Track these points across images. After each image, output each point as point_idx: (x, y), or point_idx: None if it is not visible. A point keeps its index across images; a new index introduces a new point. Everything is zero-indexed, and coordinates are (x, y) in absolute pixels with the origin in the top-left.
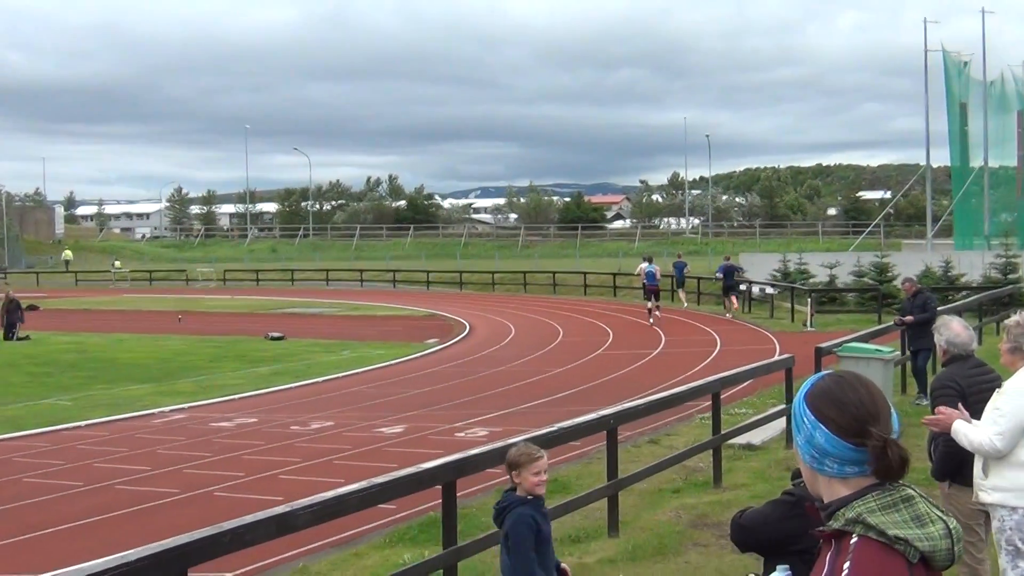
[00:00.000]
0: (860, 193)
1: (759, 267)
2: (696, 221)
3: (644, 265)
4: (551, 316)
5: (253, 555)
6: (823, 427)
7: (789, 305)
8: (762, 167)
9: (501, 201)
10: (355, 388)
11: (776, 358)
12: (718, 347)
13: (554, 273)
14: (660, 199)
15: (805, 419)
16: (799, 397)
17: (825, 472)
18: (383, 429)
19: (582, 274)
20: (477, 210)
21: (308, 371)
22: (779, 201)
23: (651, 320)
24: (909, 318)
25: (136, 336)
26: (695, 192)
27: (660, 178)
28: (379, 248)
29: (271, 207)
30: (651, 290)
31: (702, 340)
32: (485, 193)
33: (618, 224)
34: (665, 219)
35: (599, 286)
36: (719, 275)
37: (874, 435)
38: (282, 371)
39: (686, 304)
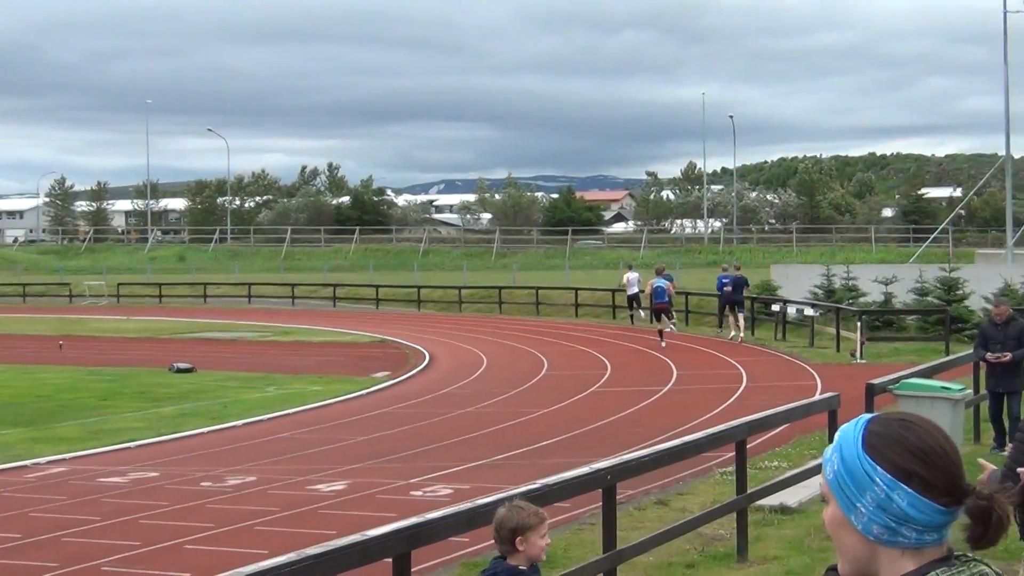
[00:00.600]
0: (923, 190)
1: (796, 282)
2: (717, 224)
3: (631, 275)
4: (533, 343)
5: None
6: (905, 486)
7: (833, 330)
8: (800, 156)
9: (471, 198)
10: (284, 434)
11: (817, 397)
12: (743, 383)
13: (537, 289)
14: (672, 196)
15: (874, 477)
16: (852, 447)
17: (899, 543)
18: (319, 486)
19: (573, 290)
20: (440, 209)
21: (224, 412)
22: (821, 199)
23: (664, 342)
24: (1006, 356)
25: (5, 367)
26: (716, 188)
27: (672, 170)
28: (316, 257)
29: (178, 204)
30: (660, 309)
31: (723, 374)
32: (450, 188)
33: (619, 227)
34: (678, 221)
35: (594, 305)
36: (726, 287)
37: (976, 491)
38: (191, 412)
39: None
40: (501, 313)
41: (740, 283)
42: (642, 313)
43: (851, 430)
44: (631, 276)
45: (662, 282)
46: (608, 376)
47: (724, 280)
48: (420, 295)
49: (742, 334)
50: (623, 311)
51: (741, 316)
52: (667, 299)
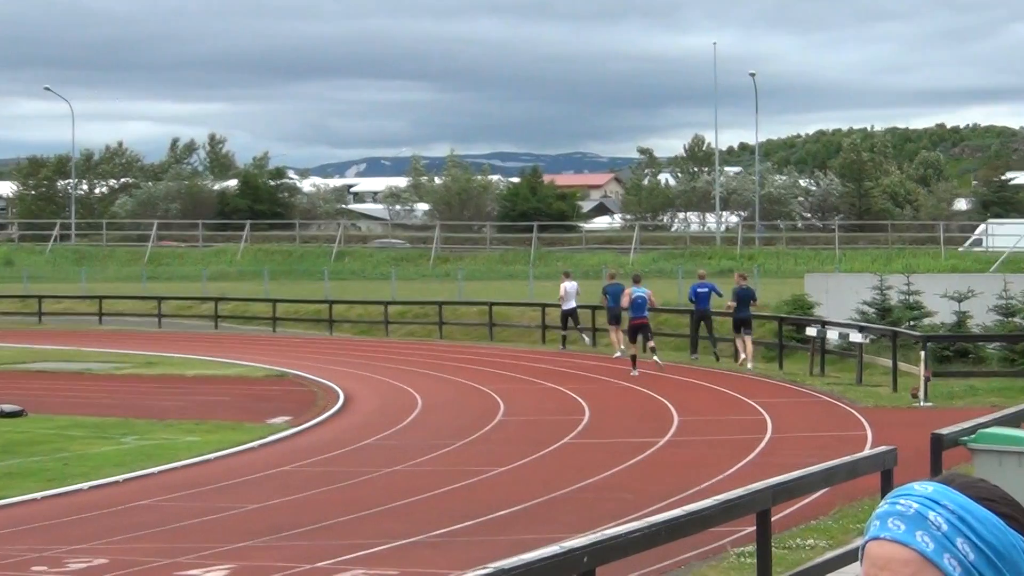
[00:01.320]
0: (1009, 174)
1: (839, 297)
2: (733, 219)
3: (567, 285)
4: (485, 377)
5: None
6: None
7: (888, 362)
8: (845, 129)
9: (401, 183)
10: (147, 501)
11: (867, 452)
12: (768, 433)
13: (491, 305)
14: (673, 182)
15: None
16: (993, 527)
17: None
18: (194, 572)
19: (539, 307)
20: (361, 197)
21: (65, 472)
22: (872, 187)
23: (636, 371)
24: None
25: None
26: (732, 171)
27: (673, 145)
28: (192, 260)
29: (3, 188)
30: (638, 327)
31: (741, 421)
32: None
33: (601, 222)
34: (681, 215)
35: (581, 328)
36: (732, 303)
37: None
38: (19, 471)
39: (619, 352)
40: (442, 338)
41: (746, 297)
42: (586, 339)
43: (972, 506)
44: (568, 286)
45: (643, 292)
46: (586, 423)
47: (700, 290)
48: (332, 313)
49: (751, 362)
50: (604, 335)
51: (748, 339)
52: (647, 314)
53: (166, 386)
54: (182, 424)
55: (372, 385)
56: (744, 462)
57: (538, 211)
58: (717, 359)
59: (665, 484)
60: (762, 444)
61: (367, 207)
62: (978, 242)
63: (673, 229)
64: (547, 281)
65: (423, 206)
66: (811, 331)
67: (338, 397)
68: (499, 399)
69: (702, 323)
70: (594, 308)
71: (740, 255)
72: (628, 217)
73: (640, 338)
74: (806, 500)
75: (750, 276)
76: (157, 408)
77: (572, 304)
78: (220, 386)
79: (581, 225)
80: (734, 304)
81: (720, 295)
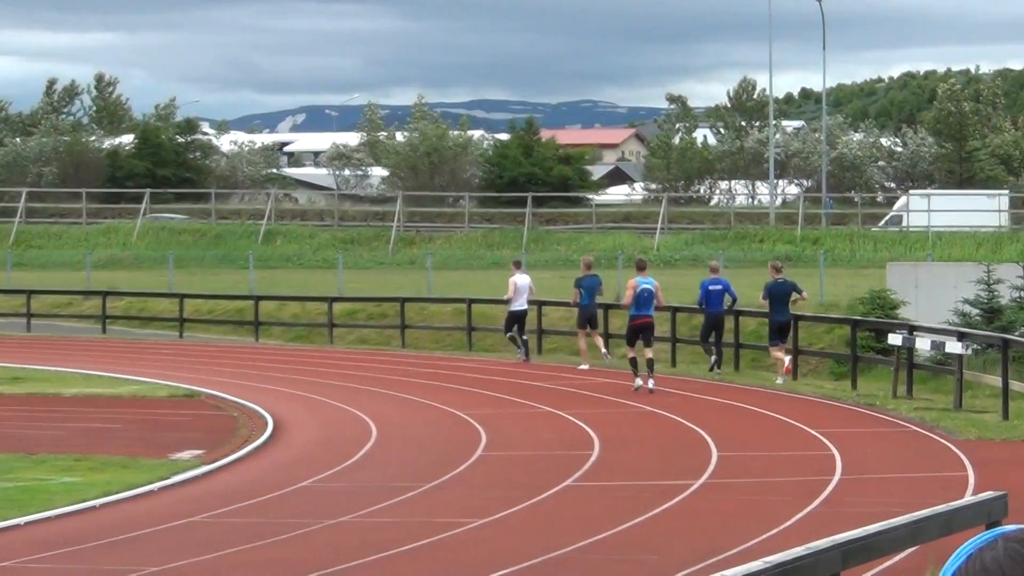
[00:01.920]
0: None
1: (932, 293)
2: (793, 189)
3: (519, 279)
4: (462, 399)
5: None
6: None
7: (998, 380)
8: (939, 70)
9: (351, 139)
10: (9, 563)
11: (967, 499)
12: (837, 474)
13: (470, 303)
14: (713, 139)
15: None
16: None
17: None
18: None
19: (534, 305)
20: (298, 158)
21: None
22: (977, 148)
23: (637, 382)
24: None
25: None
26: (791, 127)
27: (713, 92)
28: (72, 242)
29: None
30: (640, 327)
31: (802, 458)
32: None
33: (618, 192)
34: (724, 184)
35: (572, 333)
36: (764, 300)
37: None
38: None
39: (606, 355)
40: (405, 346)
41: (785, 291)
42: (521, 354)
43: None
44: (519, 281)
45: (650, 283)
46: (595, 460)
47: (712, 288)
48: (260, 313)
49: (781, 376)
50: (620, 341)
51: (783, 351)
52: (652, 312)
53: (37, 409)
54: (58, 459)
55: (311, 408)
56: (805, 512)
57: (534, 178)
58: (713, 369)
59: (699, 542)
60: (829, 488)
61: (306, 172)
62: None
63: (713, 203)
64: (546, 271)
65: (381, 171)
66: (895, 339)
67: (266, 424)
68: (480, 427)
69: (714, 332)
70: (607, 307)
71: (801, 237)
72: (653, 187)
73: (639, 343)
74: (887, 563)
75: (816, 265)
76: (24, 439)
77: (523, 304)
78: (109, 409)
79: (591, 197)
80: (764, 303)
81: (735, 298)
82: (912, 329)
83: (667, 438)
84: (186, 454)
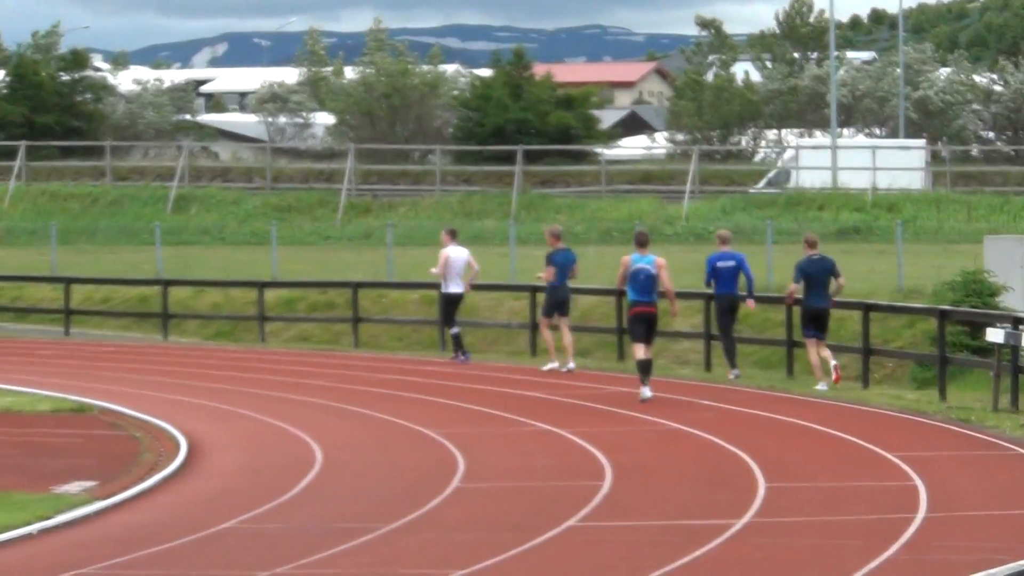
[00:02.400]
0: None
1: None
2: (863, 141)
3: (453, 252)
4: (433, 413)
5: None
6: None
7: None
8: None
9: (288, 76)
10: None
11: None
12: (921, 509)
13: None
14: (757, 76)
15: None
16: None
17: None
18: None
19: (527, 291)
20: (219, 100)
21: None
22: None
23: (645, 392)
24: None
25: None
26: (858, 59)
27: (756, 15)
28: None
29: None
30: (641, 316)
31: (874, 490)
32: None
33: (635, 144)
34: (772, 134)
35: (581, 328)
36: (796, 284)
37: None
38: None
39: (571, 364)
40: (358, 346)
41: (824, 269)
42: (463, 356)
43: None
44: (452, 254)
45: (649, 263)
46: (607, 492)
47: (721, 264)
48: (169, 302)
49: (823, 383)
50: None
51: (823, 346)
52: (655, 298)
53: None
54: None
55: (236, 426)
56: (880, 560)
57: (525, 127)
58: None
59: None
60: (911, 529)
61: (230, 119)
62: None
63: (758, 159)
64: (541, 247)
65: (326, 118)
66: (995, 335)
67: (177, 448)
68: (456, 451)
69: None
70: (618, 295)
71: (873, 203)
72: (680, 138)
73: (643, 344)
74: None
75: (891, 239)
76: None
77: (459, 286)
78: None
79: (600, 151)
80: (798, 287)
81: (751, 279)
82: (1018, 322)
83: (699, 464)
84: (74, 486)
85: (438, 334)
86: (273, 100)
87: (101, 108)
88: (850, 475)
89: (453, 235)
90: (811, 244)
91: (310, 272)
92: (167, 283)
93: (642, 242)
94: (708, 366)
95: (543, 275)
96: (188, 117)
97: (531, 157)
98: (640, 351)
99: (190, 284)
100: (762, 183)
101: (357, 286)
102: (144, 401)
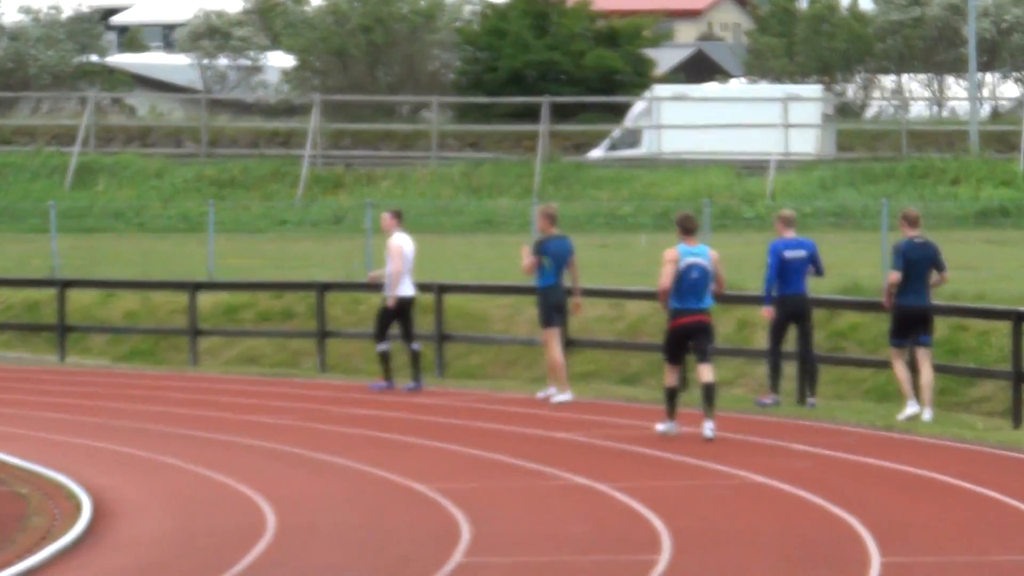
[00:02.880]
0: None
1: None
2: (1012, 89)
3: (404, 241)
4: (426, 462)
5: None
6: None
7: None
8: None
9: (230, 3)
10: None
11: None
12: None
13: (439, 289)
14: (871, 4)
15: None
16: None
17: None
18: None
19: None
20: (133, 35)
21: None
22: None
23: (670, 426)
24: None
25: None
26: None
27: None
28: None
29: None
30: (688, 328)
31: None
32: None
33: (702, 96)
34: (888, 79)
35: (640, 346)
36: (897, 271)
37: None
38: None
39: (565, 395)
40: (326, 369)
41: (927, 257)
42: (414, 382)
43: None
44: (400, 244)
45: (702, 256)
46: (664, 570)
47: (790, 254)
48: (67, 310)
49: (929, 410)
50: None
51: (927, 362)
52: (710, 303)
53: None
54: None
55: (159, 479)
56: None
57: (552, 72)
58: (805, 400)
59: None
60: None
61: (149, 60)
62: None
63: (870, 113)
64: (574, 232)
65: (282, 60)
66: None
67: (79, 508)
68: (458, 512)
69: (794, 328)
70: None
71: None
72: (764, 85)
73: (683, 361)
74: None
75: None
76: None
77: (408, 288)
78: None
79: (654, 103)
80: (898, 277)
81: (822, 272)
82: None
83: (789, 531)
84: None
85: (433, 353)
86: (210, 35)
87: None
88: (997, 546)
89: (399, 218)
90: (912, 222)
91: (260, 269)
92: (65, 284)
93: (689, 228)
94: (802, 397)
95: (525, 263)
96: (94, 58)
97: (561, 113)
98: (673, 377)
99: (96, 286)
100: (599, 149)
101: (324, 288)
102: (33, 446)
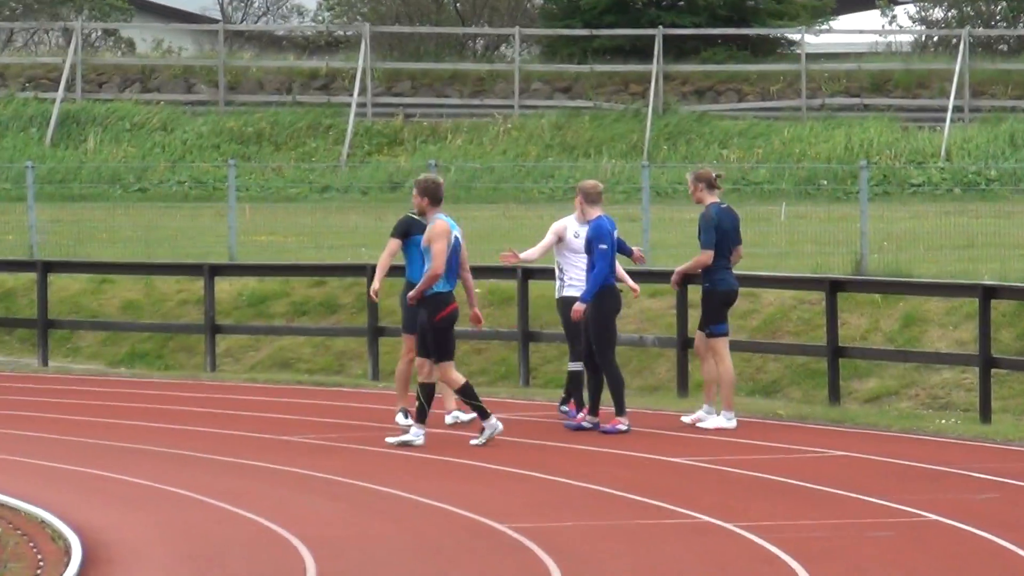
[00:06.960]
0: None
1: None
2: None
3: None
4: (508, 496)
5: None
6: None
7: None
8: None
9: None
10: None
11: None
12: None
13: (524, 274)
14: None
15: None
16: None
17: None
18: None
19: (666, 281)
20: None
21: None
22: None
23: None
24: None
25: None
26: None
27: None
28: None
29: None
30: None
31: None
32: None
33: (858, 29)
34: None
35: (783, 347)
36: None
37: None
38: None
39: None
40: (379, 376)
41: None
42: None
43: None
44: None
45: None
46: None
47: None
48: (50, 300)
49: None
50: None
51: None
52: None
53: None
54: None
55: (165, 515)
56: None
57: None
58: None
59: None
60: None
61: None
62: None
63: None
64: (687, 204)
65: None
66: None
67: (67, 552)
68: (548, 559)
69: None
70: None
71: None
72: (938, 15)
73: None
74: None
75: None
76: None
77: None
78: None
79: (796, 39)
80: None
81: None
82: None
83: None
84: None
85: (518, 357)
86: None
87: None
88: None
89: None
90: None
91: (295, 249)
92: (46, 267)
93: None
94: (986, 414)
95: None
96: None
97: (678, 49)
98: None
99: (86, 269)
100: None
101: (372, 271)
102: (9, 473)
